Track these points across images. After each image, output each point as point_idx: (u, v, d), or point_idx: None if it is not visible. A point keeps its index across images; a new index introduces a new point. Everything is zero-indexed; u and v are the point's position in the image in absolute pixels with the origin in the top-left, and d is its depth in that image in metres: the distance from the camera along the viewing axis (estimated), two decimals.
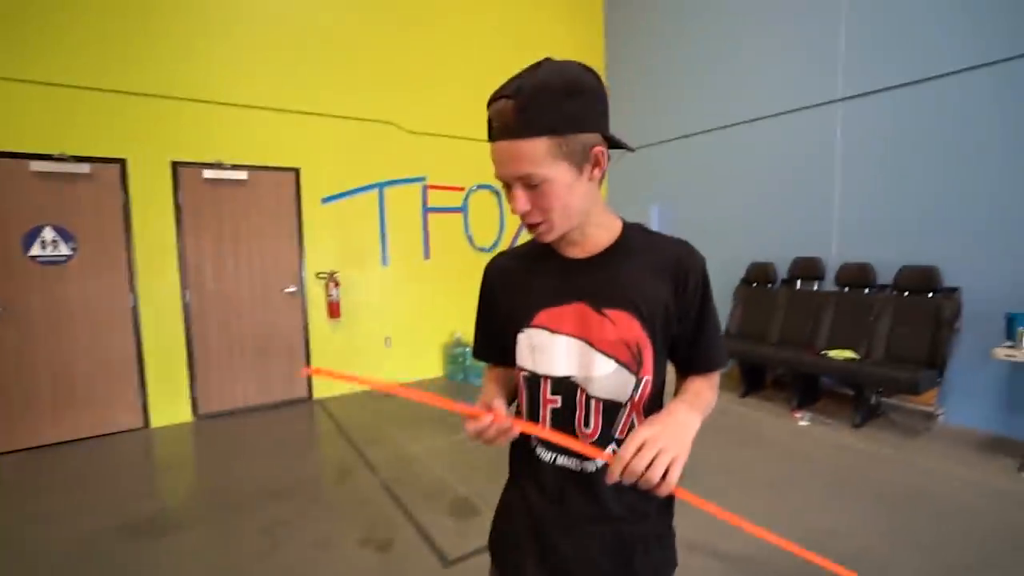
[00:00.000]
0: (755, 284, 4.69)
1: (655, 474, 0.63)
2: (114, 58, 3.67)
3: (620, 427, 0.78)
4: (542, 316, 0.79)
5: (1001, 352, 2.93)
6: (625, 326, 0.76)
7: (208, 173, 4.03)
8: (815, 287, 4.31)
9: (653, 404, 0.81)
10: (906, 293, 3.72)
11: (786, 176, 4.50)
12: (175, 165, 3.93)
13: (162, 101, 3.84)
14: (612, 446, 0.78)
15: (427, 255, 5.11)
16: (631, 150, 0.76)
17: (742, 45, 4.74)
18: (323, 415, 4.19)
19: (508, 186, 0.72)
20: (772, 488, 2.78)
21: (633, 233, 0.82)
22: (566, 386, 0.78)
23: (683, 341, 0.81)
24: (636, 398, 0.77)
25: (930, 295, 3.60)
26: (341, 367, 4.68)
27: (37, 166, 3.47)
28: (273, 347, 4.40)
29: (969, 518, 2.45)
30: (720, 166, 5.01)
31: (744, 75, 4.75)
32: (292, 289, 4.44)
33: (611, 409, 0.77)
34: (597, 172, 0.73)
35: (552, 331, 0.78)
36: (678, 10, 5.30)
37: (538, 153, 0.67)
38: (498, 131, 0.69)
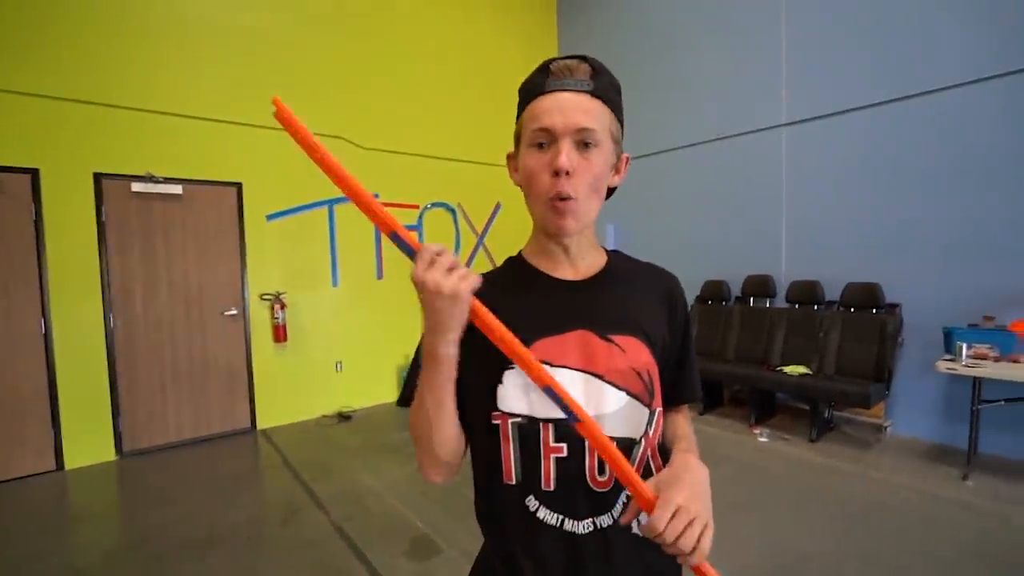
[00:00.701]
0: (710, 301, 4.75)
1: (688, 544, 0.58)
2: (26, 57, 3.34)
3: (636, 468, 0.70)
4: (539, 347, 0.68)
5: (943, 365, 3.04)
6: (635, 353, 0.70)
7: (137, 186, 3.71)
8: (767, 304, 4.39)
9: (662, 441, 0.76)
10: (852, 309, 3.85)
11: (737, 196, 4.60)
12: (98, 177, 3.60)
13: (84, 107, 3.52)
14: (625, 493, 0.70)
15: (380, 274, 4.93)
16: (608, 196, 0.74)
17: (692, 69, 4.87)
18: (267, 447, 3.89)
19: (545, 144, 0.66)
20: (739, 510, 2.73)
21: (618, 258, 0.79)
22: (572, 430, 0.67)
23: (668, 371, 0.77)
24: (651, 433, 0.71)
25: (874, 311, 3.73)
26: (288, 394, 4.39)
27: None
28: (211, 375, 4.08)
29: (928, 529, 2.47)
30: (675, 186, 5.09)
31: (696, 98, 4.86)
32: (233, 312, 4.16)
33: (625, 448, 0.69)
34: (616, 179, 0.72)
35: (552, 364, 0.68)
36: (631, 31, 5.42)
37: (602, 116, 0.66)
38: (565, 82, 0.66)
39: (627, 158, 0.73)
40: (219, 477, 3.36)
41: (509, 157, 0.74)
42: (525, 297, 0.73)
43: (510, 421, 0.68)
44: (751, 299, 4.50)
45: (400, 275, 4.97)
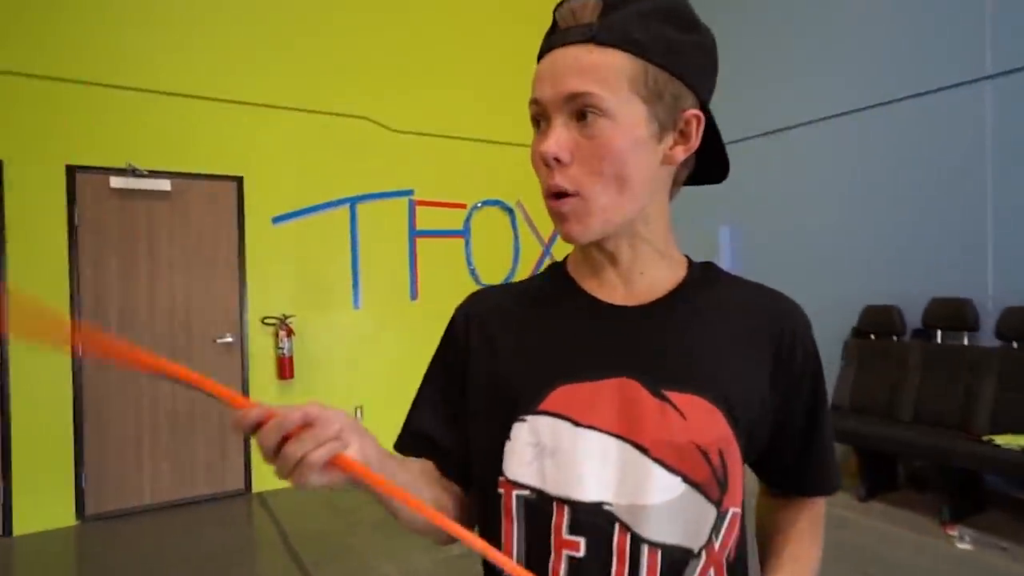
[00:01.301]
0: (873, 336, 4.26)
1: None
2: None
3: None
4: (561, 395, 0.66)
5: None
6: (701, 421, 0.63)
7: (117, 181, 3.86)
8: (965, 341, 3.86)
9: (740, 558, 0.69)
10: None
11: (915, 183, 4.12)
12: (71, 170, 3.74)
13: (57, 85, 3.68)
14: None
15: (414, 294, 4.90)
16: (720, 176, 0.74)
17: (851, 13, 4.48)
18: (262, 516, 3.91)
19: (542, 120, 0.64)
20: None
21: (706, 275, 0.73)
22: (596, 520, 0.63)
23: (782, 450, 0.72)
24: (717, 545, 0.64)
25: None
26: None
27: None
28: (199, 421, 4.14)
29: None
30: (819, 171, 4.68)
31: (851, 51, 4.46)
32: (228, 339, 4.22)
33: (674, 563, 0.62)
34: (680, 151, 0.65)
35: (576, 422, 0.64)
36: None
37: (612, 70, 0.60)
38: (562, 35, 0.62)
39: (698, 117, 0.65)
40: (199, 554, 3.39)
41: None
42: (553, 322, 0.71)
43: (515, 493, 0.67)
44: (938, 333, 3.98)
45: (440, 296, 4.89)
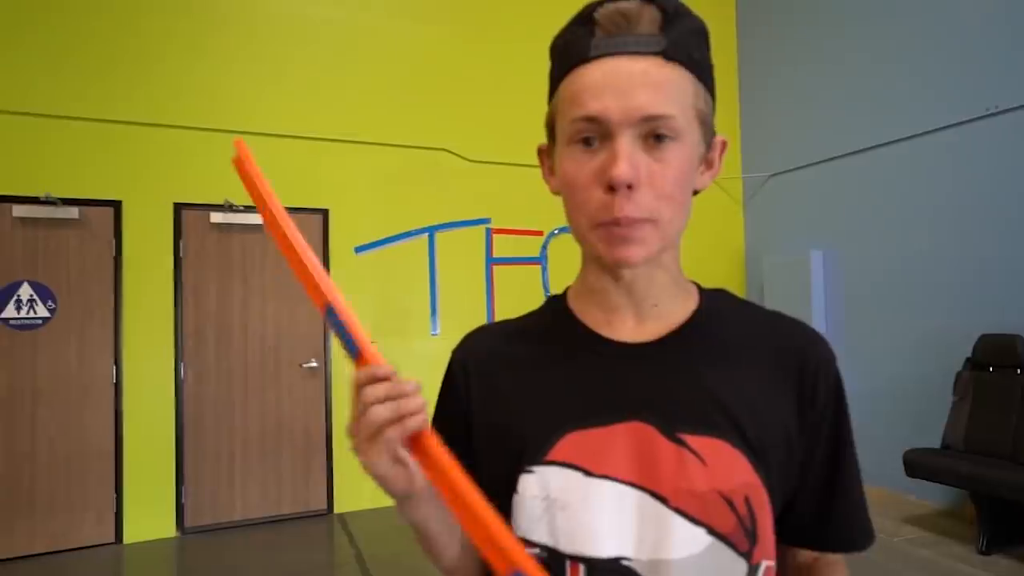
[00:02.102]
0: (991, 369, 3.85)
1: None
2: (109, 84, 3.87)
3: None
4: (570, 443, 0.61)
5: None
6: (724, 466, 0.58)
7: (216, 216, 4.09)
8: None
9: None
10: None
11: None
12: (178, 207, 4.03)
13: (165, 131, 3.98)
14: None
15: (491, 320, 4.77)
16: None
17: (961, 7, 4.15)
18: (342, 537, 3.97)
19: (593, 139, 0.57)
20: None
21: (720, 305, 0.68)
22: None
23: (802, 497, 0.65)
24: None
25: None
26: None
27: (20, 211, 3.65)
28: (286, 442, 4.27)
29: None
30: (926, 188, 4.35)
31: (966, 54, 4.12)
32: (313, 364, 4.34)
33: None
34: (708, 177, 0.65)
35: (589, 472, 0.60)
36: None
37: (682, 90, 0.57)
38: (617, 40, 0.56)
39: (723, 143, 0.65)
40: (282, 572, 3.48)
41: (541, 152, 0.69)
42: (558, 364, 0.67)
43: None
44: None
45: None
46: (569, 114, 0.58)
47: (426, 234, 4.69)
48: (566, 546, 0.60)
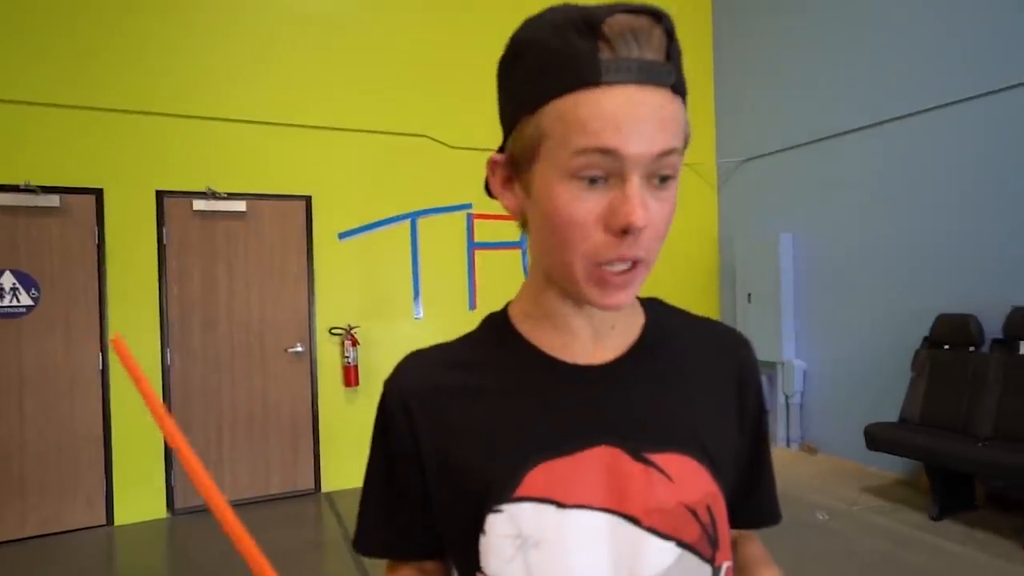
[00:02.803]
0: (947, 347, 3.98)
1: None
2: (89, 71, 3.83)
3: None
4: (538, 476, 0.57)
5: None
6: (688, 479, 0.59)
7: (199, 204, 4.08)
8: None
9: None
10: None
11: (993, 185, 3.82)
12: (160, 195, 4.00)
13: (146, 118, 3.95)
14: None
15: (473, 305, 4.94)
16: None
17: (910, 7, 4.22)
18: (330, 516, 4.03)
19: (602, 175, 0.51)
20: None
21: (659, 316, 0.68)
22: None
23: (740, 479, 0.68)
24: None
25: None
26: (359, 450, 4.34)
27: (0, 199, 3.61)
28: (272, 423, 4.31)
29: None
30: (884, 175, 4.44)
31: (916, 47, 4.19)
32: (298, 349, 4.37)
33: None
34: None
35: (562, 504, 0.57)
36: None
37: (683, 125, 0.53)
38: (637, 67, 0.49)
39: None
40: (271, 550, 3.37)
41: (495, 164, 0.61)
42: (515, 392, 0.62)
43: None
44: (1020, 344, 3.65)
45: (498, 305, 4.79)
46: (574, 143, 0.50)
47: (408, 220, 4.71)
48: None
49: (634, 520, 0.58)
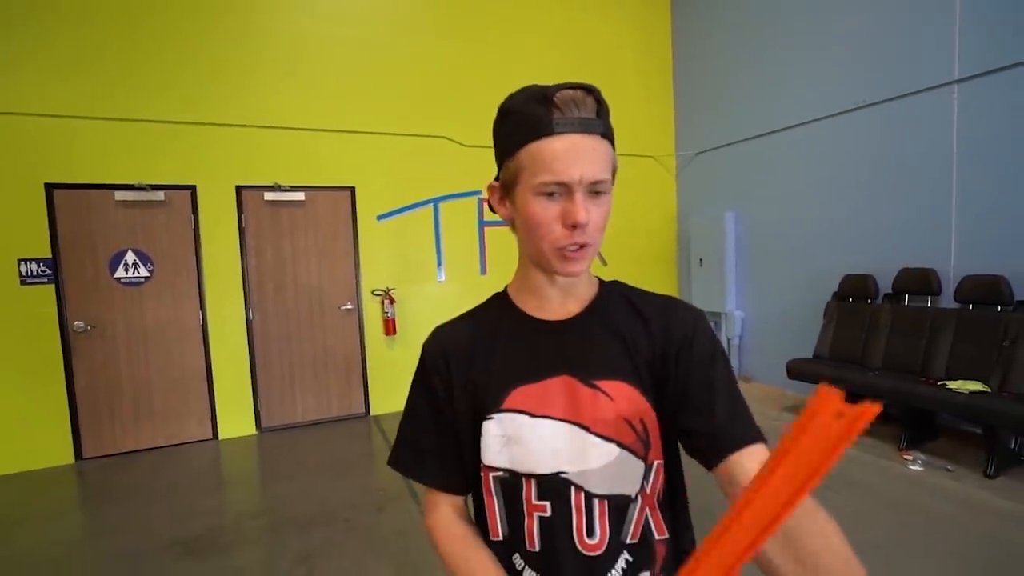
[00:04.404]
0: (850, 300, 4.10)
1: None
2: (183, 92, 3.93)
3: (633, 529, 0.65)
4: (517, 395, 0.66)
5: None
6: (625, 399, 0.64)
7: (269, 195, 4.19)
8: (928, 304, 3.66)
9: (673, 500, 0.69)
10: None
11: (888, 174, 3.88)
12: (239, 189, 4.13)
13: (226, 129, 4.06)
14: (625, 555, 0.65)
15: (483, 270, 5.02)
16: None
17: (830, 27, 4.20)
18: (377, 433, 4.19)
19: (558, 191, 0.61)
20: (877, 550, 2.28)
21: (613, 290, 0.73)
22: (556, 486, 0.64)
23: (696, 419, 0.64)
24: (648, 489, 0.65)
25: None
26: (398, 382, 4.66)
27: (121, 195, 3.79)
28: (331, 364, 4.47)
29: None
30: (806, 165, 4.48)
31: (834, 61, 4.20)
32: (349, 306, 4.50)
33: (618, 507, 0.64)
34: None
35: (533, 415, 0.65)
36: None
37: (611, 159, 0.62)
38: (577, 122, 0.59)
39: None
40: (332, 459, 3.67)
41: (492, 188, 0.69)
42: (504, 342, 0.69)
43: (491, 475, 0.67)
44: (906, 297, 3.79)
45: (503, 271, 5.00)
46: (540, 175, 0.59)
47: (431, 204, 4.77)
48: (520, 468, 0.65)
49: (585, 427, 0.64)
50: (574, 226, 0.60)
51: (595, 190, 0.61)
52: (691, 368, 0.64)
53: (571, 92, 0.59)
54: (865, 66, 3.97)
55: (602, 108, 0.61)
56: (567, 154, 0.59)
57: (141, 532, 2.74)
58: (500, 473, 0.65)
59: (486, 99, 5.28)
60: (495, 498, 0.66)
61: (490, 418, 0.66)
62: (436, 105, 4.73)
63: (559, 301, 0.69)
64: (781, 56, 4.62)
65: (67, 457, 3.73)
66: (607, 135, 0.61)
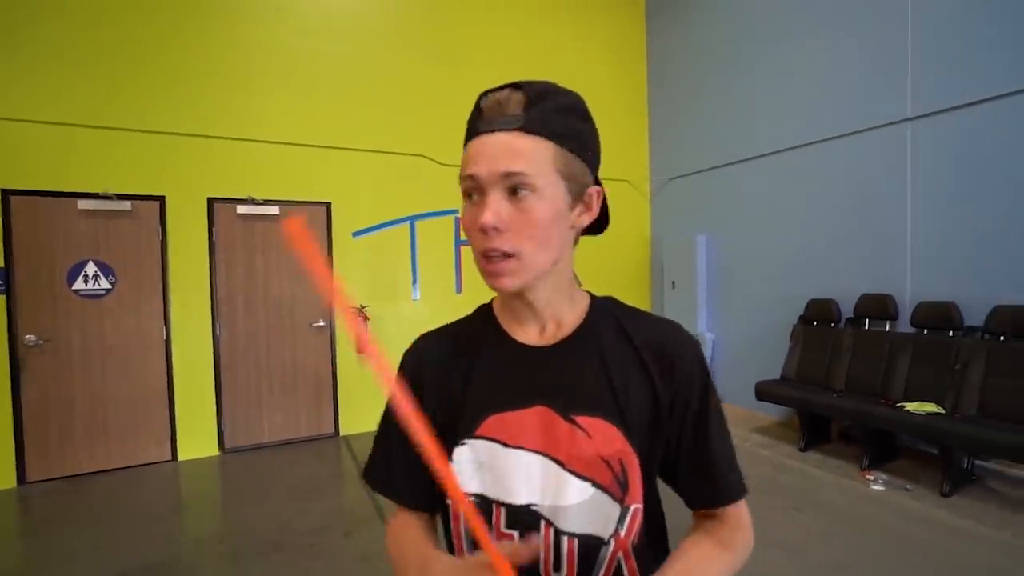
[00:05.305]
0: (815, 323, 4.24)
1: None
2: (155, 100, 3.87)
3: (603, 573, 0.62)
4: (492, 423, 0.64)
5: None
6: (603, 438, 0.61)
7: (242, 208, 4.13)
8: (887, 328, 3.82)
9: (652, 544, 0.65)
10: (1002, 337, 3.18)
11: (850, 204, 4.07)
12: (211, 201, 4.06)
13: (199, 140, 4.00)
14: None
15: (459, 289, 5.02)
16: (599, 230, 0.68)
17: (796, 65, 4.43)
18: (346, 454, 4.10)
19: (473, 193, 0.60)
20: (842, 570, 2.34)
21: (603, 312, 0.68)
22: (526, 518, 0.62)
23: (682, 461, 0.65)
24: (623, 533, 0.62)
25: None
26: (370, 402, 4.58)
27: (84, 204, 3.67)
28: (300, 382, 4.39)
29: None
30: (774, 193, 4.65)
31: (800, 96, 4.42)
32: (321, 324, 4.45)
33: (588, 548, 0.61)
34: (585, 218, 0.63)
35: (506, 444, 0.63)
36: (725, 32, 5.07)
37: (539, 155, 0.57)
38: (491, 121, 0.58)
39: (598, 192, 0.64)
40: (299, 481, 3.57)
41: None
42: (484, 364, 0.66)
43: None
44: (866, 321, 3.96)
45: (478, 290, 4.97)
46: (461, 177, 0.61)
47: (408, 222, 4.77)
48: (492, 494, 0.63)
49: (559, 462, 0.61)
50: (483, 229, 0.57)
51: (511, 186, 0.57)
52: (687, 414, 0.63)
53: (497, 94, 0.59)
54: (828, 100, 4.18)
55: (538, 102, 0.58)
56: (478, 153, 0.58)
57: (90, 561, 2.59)
58: (470, 498, 0.63)
59: (464, 119, 5.46)
60: (463, 522, 0.64)
61: (463, 443, 0.64)
62: (415, 123, 4.75)
63: (535, 323, 0.66)
64: (751, 86, 4.80)
65: (7, 481, 3.52)
66: (539, 129, 0.58)
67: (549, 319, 0.66)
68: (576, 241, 0.66)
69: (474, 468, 0.63)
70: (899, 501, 3.03)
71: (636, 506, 0.62)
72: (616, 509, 0.61)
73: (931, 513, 2.88)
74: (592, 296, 0.69)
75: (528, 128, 0.57)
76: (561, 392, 0.63)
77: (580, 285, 0.70)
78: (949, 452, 3.13)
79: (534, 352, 0.65)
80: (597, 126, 0.64)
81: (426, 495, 0.68)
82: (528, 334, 0.66)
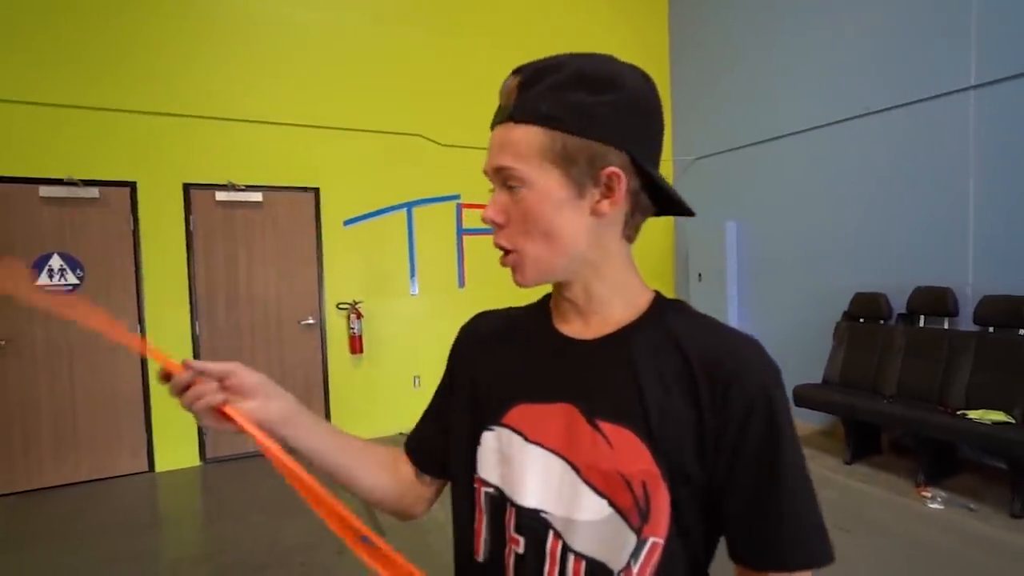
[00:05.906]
0: (862, 320, 4.12)
1: None
2: (123, 76, 3.83)
3: None
4: (517, 412, 0.65)
5: None
6: (626, 452, 0.58)
7: (221, 195, 4.10)
8: (945, 325, 3.70)
9: None
10: None
11: (902, 185, 3.94)
12: (187, 187, 4.02)
13: (173, 119, 3.95)
14: None
15: (462, 283, 4.97)
16: (685, 212, 0.66)
17: (843, 28, 4.28)
18: None
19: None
20: None
21: (664, 313, 0.64)
22: (535, 525, 0.61)
23: (734, 508, 0.57)
24: (635, 570, 0.57)
25: None
26: (364, 408, 4.55)
27: (46, 191, 3.65)
28: (288, 385, 4.04)
29: None
30: (813, 174, 4.53)
31: (842, 64, 4.28)
32: (310, 321, 4.42)
33: None
34: (607, 205, 0.59)
35: (526, 438, 0.63)
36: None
37: (525, 145, 0.57)
38: (497, 113, 0.61)
39: (616, 173, 0.58)
40: (287, 493, 3.45)
41: None
42: (524, 350, 0.69)
43: (483, 490, 0.66)
44: (921, 318, 3.83)
45: (484, 283, 4.94)
46: None
47: (405, 209, 4.73)
48: (507, 491, 0.64)
49: (576, 469, 0.60)
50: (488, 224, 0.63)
51: (505, 182, 0.60)
52: (738, 455, 0.56)
53: (504, 83, 0.61)
54: (875, 70, 4.04)
55: (530, 85, 0.58)
56: (488, 148, 0.62)
57: None
58: (491, 489, 0.65)
59: (467, 95, 5.28)
60: (484, 514, 0.66)
61: (490, 429, 0.66)
62: (411, 100, 4.70)
63: (579, 317, 0.66)
64: (785, 58, 4.70)
65: None
66: (528, 116, 0.58)
67: (592, 315, 0.65)
68: (630, 228, 0.64)
69: (497, 459, 0.65)
70: (961, 522, 2.93)
71: (656, 540, 0.57)
72: (632, 539, 0.57)
73: (999, 536, 2.76)
74: (658, 297, 0.67)
75: (516, 117, 0.58)
76: (588, 392, 0.62)
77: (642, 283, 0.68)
78: (1019, 466, 2.99)
79: (573, 345, 0.65)
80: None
81: (425, 450, 0.77)
82: (573, 327, 0.67)
